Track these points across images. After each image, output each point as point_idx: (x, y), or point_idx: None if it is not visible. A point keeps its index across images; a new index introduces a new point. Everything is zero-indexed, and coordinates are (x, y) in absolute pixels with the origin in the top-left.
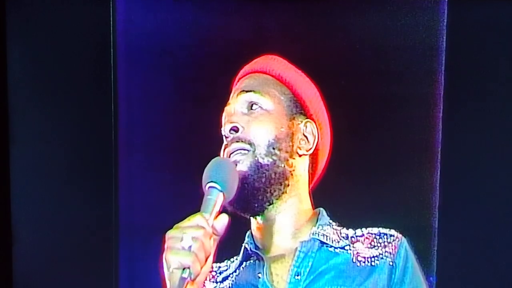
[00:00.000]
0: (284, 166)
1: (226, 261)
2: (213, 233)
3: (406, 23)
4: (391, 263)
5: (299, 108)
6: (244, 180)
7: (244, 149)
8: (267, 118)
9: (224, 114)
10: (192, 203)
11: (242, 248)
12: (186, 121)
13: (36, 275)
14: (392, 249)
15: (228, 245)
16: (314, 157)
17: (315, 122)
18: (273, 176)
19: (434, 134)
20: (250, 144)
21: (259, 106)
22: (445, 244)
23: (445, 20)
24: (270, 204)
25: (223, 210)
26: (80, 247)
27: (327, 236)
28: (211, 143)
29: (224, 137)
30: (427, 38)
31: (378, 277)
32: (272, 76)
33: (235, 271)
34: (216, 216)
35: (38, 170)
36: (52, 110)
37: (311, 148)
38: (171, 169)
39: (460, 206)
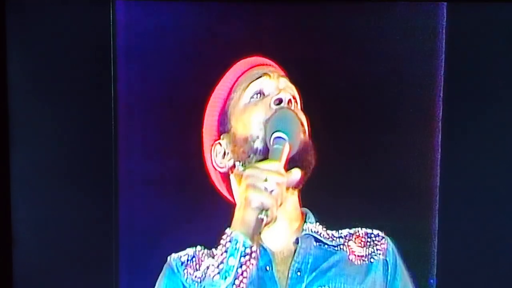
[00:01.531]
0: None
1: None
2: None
3: (405, 26)
4: (384, 261)
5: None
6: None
7: (301, 123)
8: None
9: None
10: (192, 203)
11: None
12: (187, 122)
13: (36, 277)
14: (383, 247)
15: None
16: None
17: None
18: (311, 160)
19: (433, 136)
20: (302, 123)
21: (296, 102)
22: (445, 246)
23: (444, 23)
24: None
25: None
26: (80, 249)
27: (319, 233)
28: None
29: (272, 103)
30: (426, 41)
31: (375, 275)
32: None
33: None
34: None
35: (38, 171)
36: (52, 112)
37: None
38: (172, 171)
39: (461, 207)
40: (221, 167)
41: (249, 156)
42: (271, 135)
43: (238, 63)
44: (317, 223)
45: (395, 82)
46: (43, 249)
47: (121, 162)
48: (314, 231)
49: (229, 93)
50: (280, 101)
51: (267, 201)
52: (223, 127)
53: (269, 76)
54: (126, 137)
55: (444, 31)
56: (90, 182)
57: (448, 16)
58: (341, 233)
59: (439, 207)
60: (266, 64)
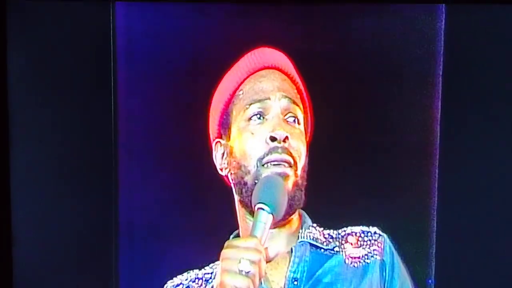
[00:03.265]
0: (305, 187)
1: (211, 266)
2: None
3: (404, 28)
4: (380, 261)
5: (307, 131)
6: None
7: (291, 164)
8: (302, 138)
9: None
10: (192, 205)
11: None
12: (186, 123)
13: (36, 277)
14: (379, 246)
15: (210, 248)
16: None
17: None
18: (300, 197)
19: (432, 137)
20: (295, 161)
21: (297, 121)
22: (443, 246)
23: (443, 25)
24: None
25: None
26: (80, 249)
27: (315, 238)
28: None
29: (267, 139)
30: (425, 43)
31: (371, 277)
32: (296, 86)
33: None
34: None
35: (38, 171)
36: (52, 113)
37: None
38: (171, 171)
39: (458, 207)
40: (220, 168)
41: (239, 182)
42: (256, 204)
43: (247, 57)
44: (314, 227)
45: (394, 83)
46: (43, 249)
47: (121, 162)
48: (310, 237)
49: (233, 94)
50: (274, 139)
51: (242, 283)
52: (224, 129)
53: (269, 98)
54: (127, 138)
55: (442, 32)
56: (90, 182)
57: (447, 17)
58: (339, 233)
59: (437, 208)
60: (272, 67)
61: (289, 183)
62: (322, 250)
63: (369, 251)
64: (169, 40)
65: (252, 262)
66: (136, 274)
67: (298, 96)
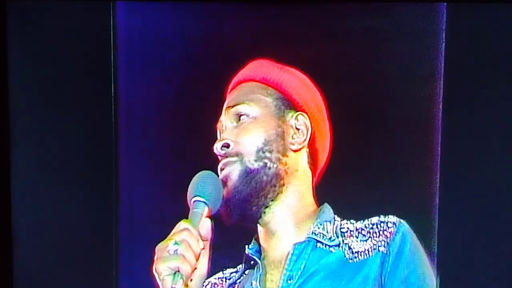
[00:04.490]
0: (276, 167)
1: (237, 266)
2: (201, 239)
3: (404, 28)
4: (385, 251)
5: (287, 103)
6: (235, 190)
7: (231, 161)
8: (255, 125)
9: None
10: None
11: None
12: (187, 124)
13: (36, 277)
14: (387, 236)
15: (237, 252)
16: (312, 149)
17: (306, 113)
18: (264, 179)
19: (434, 133)
20: (238, 154)
21: (246, 115)
22: (447, 245)
23: (444, 24)
24: (267, 207)
25: (223, 227)
26: (80, 250)
27: (323, 234)
28: (212, 145)
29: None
30: (426, 42)
31: (369, 270)
32: (257, 81)
33: (239, 278)
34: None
35: (39, 172)
36: (53, 113)
37: (305, 140)
38: (172, 171)
39: (461, 207)
40: None
41: None
42: (192, 199)
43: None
44: (330, 221)
45: (394, 83)
46: (43, 249)
47: (122, 163)
48: (318, 233)
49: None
50: (219, 155)
51: (172, 263)
52: None
53: (220, 121)
54: (127, 138)
55: (443, 32)
56: (90, 182)
57: (448, 16)
58: (355, 226)
59: (439, 208)
60: (244, 81)
61: (239, 175)
62: (327, 246)
63: (374, 243)
64: (169, 39)
65: (178, 240)
66: (136, 274)
67: (277, 93)
